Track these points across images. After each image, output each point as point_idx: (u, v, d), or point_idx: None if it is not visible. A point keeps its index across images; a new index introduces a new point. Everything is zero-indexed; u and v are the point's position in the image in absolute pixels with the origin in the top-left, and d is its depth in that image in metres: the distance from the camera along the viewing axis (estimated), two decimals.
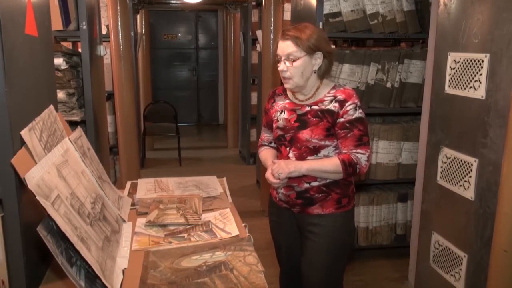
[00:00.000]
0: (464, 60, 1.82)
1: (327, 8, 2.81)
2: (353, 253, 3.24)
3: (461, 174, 1.86)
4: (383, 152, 3.01)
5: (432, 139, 2.08)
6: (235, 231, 1.66)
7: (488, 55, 1.69)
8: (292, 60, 1.72)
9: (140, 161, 5.22)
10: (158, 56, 8.72)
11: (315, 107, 1.78)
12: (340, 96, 1.75)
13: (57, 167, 1.41)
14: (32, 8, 1.45)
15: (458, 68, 1.86)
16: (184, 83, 9.04)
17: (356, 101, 1.75)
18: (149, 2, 6.68)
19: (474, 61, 1.76)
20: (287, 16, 4.53)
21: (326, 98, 1.78)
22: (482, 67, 1.72)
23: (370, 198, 3.08)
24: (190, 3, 6.63)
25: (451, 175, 1.92)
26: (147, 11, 7.19)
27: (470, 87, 1.79)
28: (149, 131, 6.15)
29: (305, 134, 1.77)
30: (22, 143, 1.29)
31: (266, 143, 2.02)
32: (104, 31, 3.80)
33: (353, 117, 1.74)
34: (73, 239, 1.21)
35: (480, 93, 1.73)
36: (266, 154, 1.97)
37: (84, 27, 2.45)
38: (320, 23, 2.74)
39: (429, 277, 2.13)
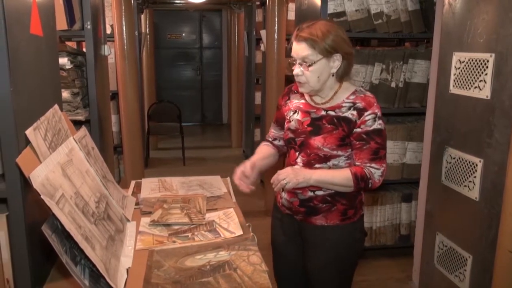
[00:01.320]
0: (469, 60, 1.81)
1: (331, 8, 2.80)
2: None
3: (466, 174, 1.85)
4: (387, 152, 2.98)
5: (437, 139, 2.07)
6: (239, 231, 1.66)
7: (493, 55, 1.68)
8: (308, 65, 1.59)
9: (144, 160, 5.23)
10: (162, 56, 8.73)
11: (332, 113, 1.66)
12: (360, 104, 1.62)
13: (62, 166, 1.42)
14: (37, 8, 1.45)
15: (463, 68, 1.85)
16: (188, 82, 9.05)
17: (376, 110, 1.62)
18: (153, 1, 6.69)
19: (479, 61, 1.75)
20: (291, 15, 4.54)
21: (344, 104, 1.65)
22: (487, 67, 1.71)
23: (374, 198, 3.08)
24: (194, 2, 6.63)
25: (456, 175, 1.92)
26: (152, 10, 7.20)
27: (475, 87, 1.78)
28: (153, 130, 6.16)
29: (316, 141, 1.66)
30: (27, 142, 1.30)
31: (270, 139, 1.93)
32: (108, 31, 3.81)
33: (371, 128, 1.61)
34: (77, 238, 1.21)
35: (485, 93, 1.73)
36: (258, 150, 1.90)
37: (89, 26, 2.45)
38: None
39: (433, 277, 2.12)
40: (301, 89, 1.69)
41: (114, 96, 4.04)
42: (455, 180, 1.92)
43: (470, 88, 1.81)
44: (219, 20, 8.97)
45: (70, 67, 2.36)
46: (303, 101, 1.76)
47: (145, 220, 1.75)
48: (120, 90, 3.92)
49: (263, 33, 4.47)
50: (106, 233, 1.45)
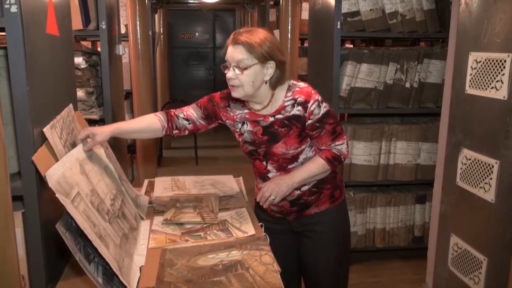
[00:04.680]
0: (485, 60, 1.79)
1: (345, 7, 2.79)
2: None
3: (482, 176, 1.82)
4: (401, 152, 2.97)
5: (452, 140, 2.05)
6: (251, 230, 1.66)
7: (510, 55, 1.65)
8: (243, 68, 1.59)
9: (157, 159, 5.26)
10: (176, 56, 8.78)
11: (279, 116, 1.68)
12: (300, 98, 1.65)
13: (80, 163, 1.43)
14: (53, 8, 1.47)
15: (479, 68, 1.83)
16: (201, 82, 9.09)
17: (316, 97, 1.66)
18: (167, 1, 6.73)
19: (496, 61, 1.72)
20: (305, 15, 4.52)
21: (286, 103, 1.68)
22: (504, 67, 1.68)
23: (387, 199, 3.05)
24: (207, 2, 6.65)
25: (471, 177, 1.89)
26: (165, 10, 7.24)
27: (492, 88, 1.75)
28: None
29: (279, 148, 1.70)
30: (42, 140, 1.31)
31: (176, 114, 1.79)
32: (123, 31, 3.85)
33: (320, 115, 1.66)
34: (91, 236, 1.22)
35: (502, 93, 1.70)
36: (139, 118, 1.80)
37: (104, 26, 2.48)
38: (339, 23, 2.72)
39: (447, 280, 2.09)
40: (233, 94, 1.66)
41: (128, 95, 4.07)
42: (471, 182, 1.90)
43: (486, 89, 1.79)
44: (232, 20, 8.99)
45: (85, 66, 2.39)
46: (246, 111, 1.75)
47: (158, 219, 1.76)
48: (134, 90, 3.95)
49: (276, 33, 4.46)
50: (120, 231, 1.46)
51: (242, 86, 1.62)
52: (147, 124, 1.75)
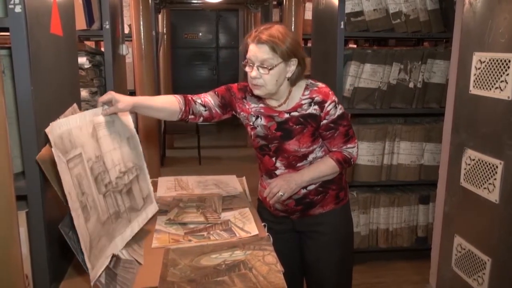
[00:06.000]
0: (490, 60, 1.78)
1: (349, 7, 2.78)
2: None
3: (486, 177, 1.82)
4: (405, 153, 2.97)
5: (456, 141, 2.04)
6: (254, 231, 1.66)
7: None
8: (269, 68, 1.58)
9: (160, 159, 5.26)
10: (179, 56, 8.79)
11: (295, 113, 1.69)
12: (318, 97, 1.67)
13: (95, 125, 1.39)
14: (58, 8, 1.47)
15: (484, 68, 1.82)
16: (205, 82, 9.09)
17: (333, 98, 1.68)
18: (170, 1, 6.74)
19: (501, 61, 1.72)
20: (308, 15, 4.52)
21: (303, 102, 1.68)
22: (508, 67, 1.68)
23: (391, 200, 3.04)
24: (211, 2, 6.66)
25: (475, 177, 1.88)
26: (169, 10, 7.25)
27: (496, 88, 1.75)
28: (170, 129, 6.20)
29: (292, 145, 1.70)
30: (47, 140, 1.31)
31: (195, 99, 1.76)
32: (126, 31, 3.85)
33: (336, 116, 1.68)
34: (73, 204, 1.17)
35: (506, 93, 1.69)
36: (160, 96, 1.76)
37: (107, 26, 2.48)
38: (342, 22, 2.71)
39: (451, 280, 2.09)
40: (256, 92, 1.66)
41: (132, 95, 4.07)
42: (475, 182, 1.89)
43: (490, 89, 1.78)
44: (235, 20, 9.00)
45: (88, 66, 2.39)
46: (262, 105, 1.76)
47: (161, 218, 1.76)
48: (137, 89, 3.96)
49: None
50: (112, 208, 1.41)
51: (266, 85, 1.62)
52: (167, 103, 1.71)
